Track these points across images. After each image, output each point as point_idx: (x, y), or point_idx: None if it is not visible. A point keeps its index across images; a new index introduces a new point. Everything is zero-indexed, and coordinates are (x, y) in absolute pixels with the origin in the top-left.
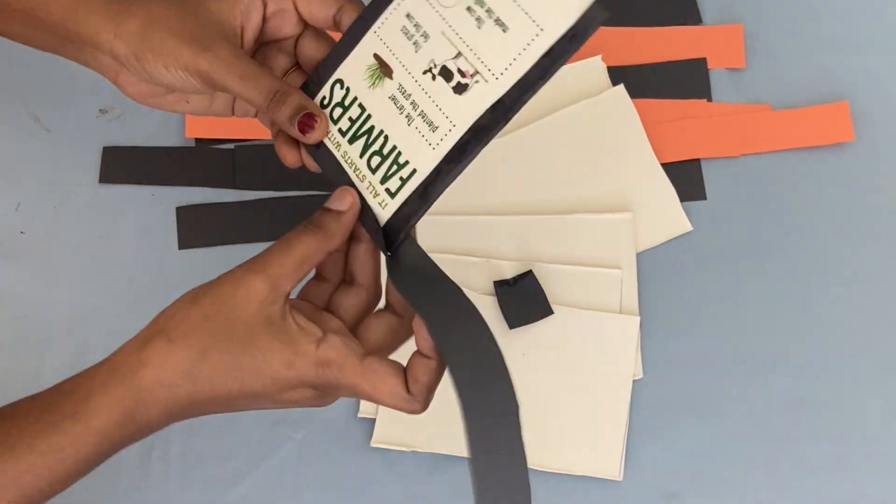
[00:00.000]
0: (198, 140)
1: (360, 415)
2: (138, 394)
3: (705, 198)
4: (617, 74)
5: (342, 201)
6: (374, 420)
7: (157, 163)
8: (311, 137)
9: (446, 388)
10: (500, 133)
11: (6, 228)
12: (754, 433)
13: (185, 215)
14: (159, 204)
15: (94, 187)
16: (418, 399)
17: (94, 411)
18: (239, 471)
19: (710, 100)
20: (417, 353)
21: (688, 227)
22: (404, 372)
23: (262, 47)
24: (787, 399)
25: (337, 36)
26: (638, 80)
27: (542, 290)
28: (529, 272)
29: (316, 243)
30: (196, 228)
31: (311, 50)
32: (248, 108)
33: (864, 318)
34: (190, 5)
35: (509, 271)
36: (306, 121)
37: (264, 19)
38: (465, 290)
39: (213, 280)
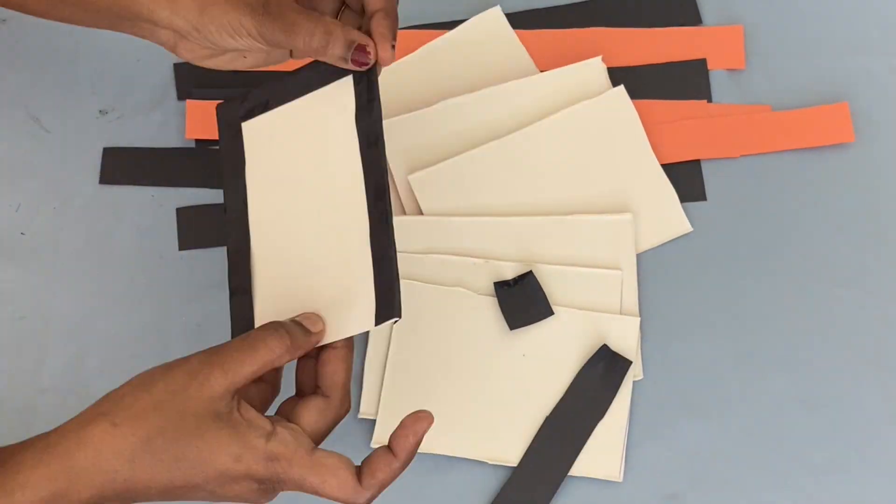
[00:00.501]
0: (198, 141)
1: (360, 416)
2: (71, 475)
3: (705, 198)
4: (617, 75)
5: (315, 324)
6: (374, 421)
7: (158, 164)
8: (364, 67)
9: (447, 389)
10: (501, 134)
11: (6, 229)
12: (755, 434)
13: (186, 216)
14: (159, 205)
15: (94, 188)
16: (368, 493)
17: (21, 486)
18: None
19: (710, 100)
20: (384, 448)
21: (688, 227)
22: (354, 466)
23: None
24: (787, 399)
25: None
26: (637, 81)
27: (543, 291)
28: (529, 273)
29: (281, 350)
30: (196, 229)
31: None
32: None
33: (865, 319)
34: None
35: (509, 272)
36: (359, 55)
37: None
38: (465, 292)
39: (167, 365)
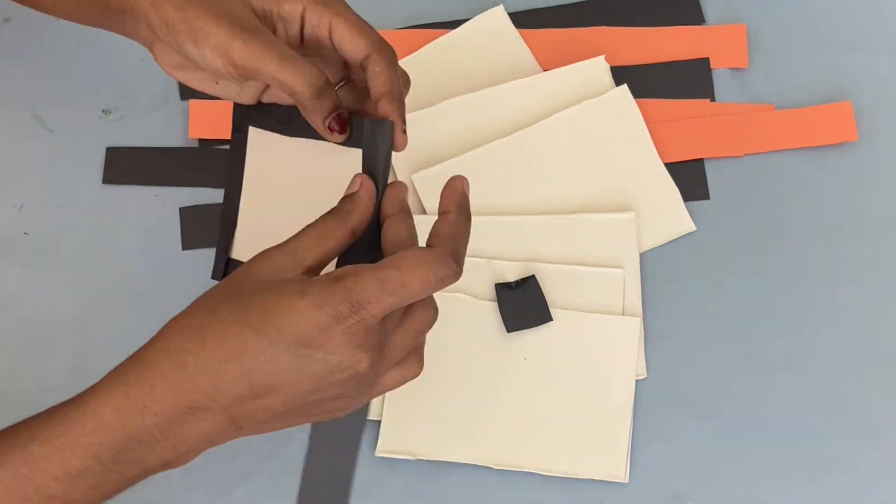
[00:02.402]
0: (201, 141)
1: (367, 417)
2: (142, 371)
3: (708, 197)
4: (619, 74)
5: (353, 185)
6: (379, 422)
7: (161, 163)
8: (336, 138)
9: (449, 394)
10: (504, 133)
11: (10, 229)
12: (758, 433)
13: (189, 216)
14: (163, 204)
15: (97, 188)
16: (445, 250)
17: (93, 391)
18: (243, 471)
19: (713, 99)
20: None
21: (691, 226)
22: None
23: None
24: (791, 399)
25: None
26: (640, 80)
27: (543, 297)
28: (532, 277)
29: (332, 221)
30: (200, 229)
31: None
32: (279, 97)
33: (869, 318)
34: None
35: (511, 273)
36: (337, 123)
37: (301, 31)
38: (466, 297)
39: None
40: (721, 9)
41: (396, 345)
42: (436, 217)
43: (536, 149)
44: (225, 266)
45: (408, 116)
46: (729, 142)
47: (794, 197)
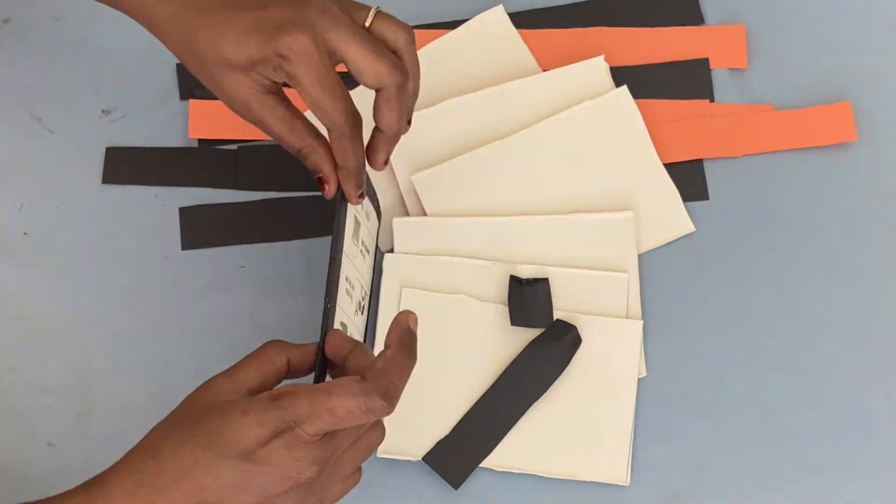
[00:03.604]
0: (201, 141)
1: None
2: (105, 487)
3: (707, 198)
4: (619, 75)
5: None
6: None
7: (161, 163)
8: (325, 194)
9: (451, 396)
10: (503, 133)
11: (9, 229)
12: (758, 433)
13: (189, 216)
14: (162, 204)
15: (97, 188)
16: (374, 385)
17: None
18: None
19: (712, 100)
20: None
21: (690, 227)
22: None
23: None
24: (790, 399)
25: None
26: (640, 81)
27: (550, 301)
28: (545, 280)
29: (272, 349)
30: (199, 229)
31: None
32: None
33: (868, 319)
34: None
35: (520, 273)
36: (320, 182)
37: None
38: (469, 299)
39: None
40: (720, 9)
41: (345, 460)
42: (439, 218)
43: (536, 149)
44: None
45: None
46: (728, 142)
47: (794, 197)
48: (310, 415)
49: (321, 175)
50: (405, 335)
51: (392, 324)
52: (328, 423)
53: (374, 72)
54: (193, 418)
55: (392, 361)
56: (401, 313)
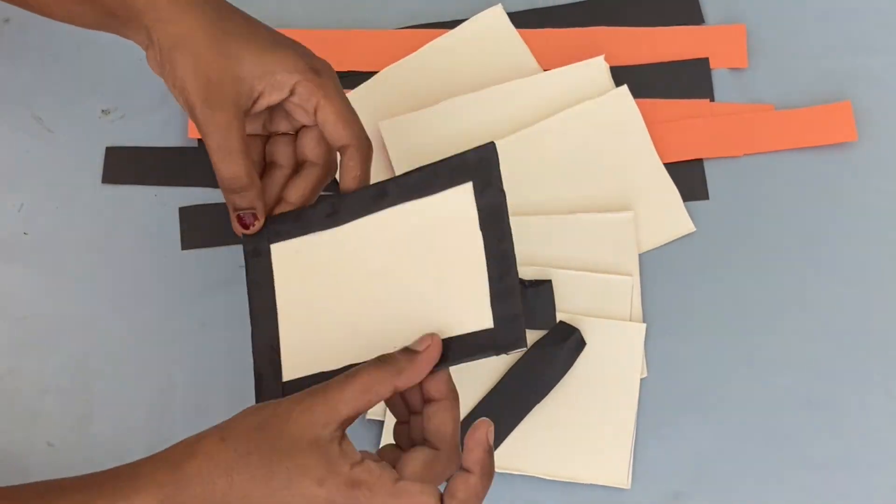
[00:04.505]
0: (200, 140)
1: (368, 416)
2: (179, 481)
3: (708, 198)
4: (619, 74)
5: (421, 343)
6: (380, 422)
7: (161, 163)
8: (247, 231)
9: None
10: (503, 133)
11: (9, 229)
12: (758, 433)
13: (189, 215)
14: (162, 204)
15: (97, 188)
16: None
17: (136, 491)
18: None
19: (712, 100)
20: (459, 471)
21: (690, 227)
22: (438, 492)
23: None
24: (790, 399)
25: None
26: (640, 80)
27: (553, 303)
28: (548, 282)
29: (380, 374)
30: (199, 228)
31: (311, 146)
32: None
33: (868, 318)
34: (230, 47)
35: (528, 273)
36: (243, 219)
37: (283, 102)
38: None
39: (283, 399)
40: (720, 9)
41: None
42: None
43: (536, 149)
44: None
45: (407, 117)
46: (728, 142)
47: (794, 197)
48: None
49: (253, 210)
50: (487, 457)
51: (472, 441)
52: None
53: (347, 131)
54: (275, 450)
55: (474, 492)
56: (480, 425)
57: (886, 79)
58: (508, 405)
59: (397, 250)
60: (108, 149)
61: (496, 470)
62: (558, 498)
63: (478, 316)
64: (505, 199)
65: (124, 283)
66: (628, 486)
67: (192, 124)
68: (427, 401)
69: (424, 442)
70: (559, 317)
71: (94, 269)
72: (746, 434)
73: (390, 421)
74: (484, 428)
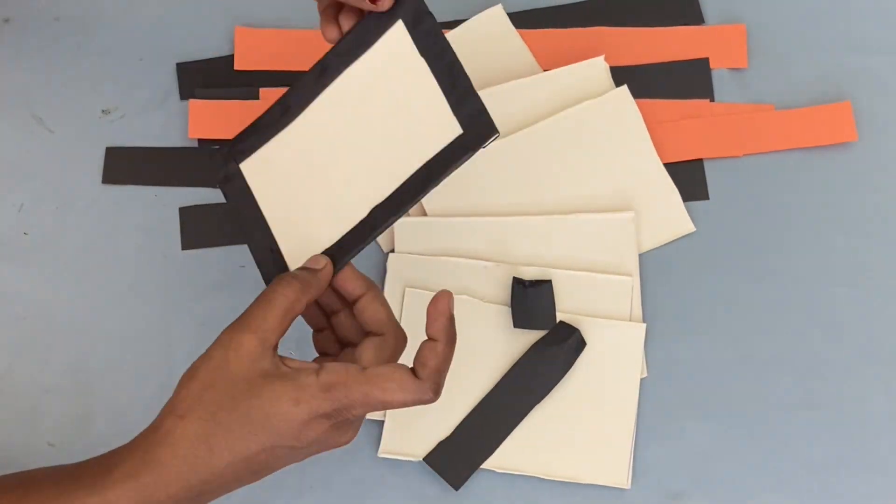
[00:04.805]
0: (201, 140)
1: (369, 417)
2: (155, 470)
3: (708, 198)
4: (619, 74)
5: (317, 262)
6: (380, 423)
7: (161, 163)
8: (382, 4)
9: (454, 397)
10: (502, 134)
11: (9, 229)
12: (758, 433)
13: (189, 216)
14: (163, 204)
15: (97, 188)
16: (428, 384)
17: (111, 485)
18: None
19: (712, 100)
20: (425, 340)
21: (690, 227)
22: (406, 367)
23: None
24: (790, 399)
25: None
26: (640, 81)
27: (553, 303)
28: (548, 282)
29: (294, 294)
30: (199, 229)
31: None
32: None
33: (868, 319)
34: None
35: (526, 274)
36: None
37: None
38: (471, 300)
39: (205, 351)
40: (720, 9)
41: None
42: (439, 218)
43: (536, 149)
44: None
45: None
46: (728, 142)
47: (794, 197)
48: (363, 405)
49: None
50: (449, 325)
51: (434, 310)
52: (377, 410)
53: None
54: (238, 399)
55: (443, 356)
56: (441, 296)
57: (886, 79)
58: (508, 405)
59: (357, 114)
60: (108, 149)
61: (497, 470)
62: (558, 498)
63: (447, 128)
64: (434, 19)
65: (124, 284)
66: (628, 486)
67: (192, 124)
68: (352, 301)
69: (366, 336)
70: (559, 317)
71: (94, 269)
72: (746, 434)
73: (390, 421)
74: (444, 298)
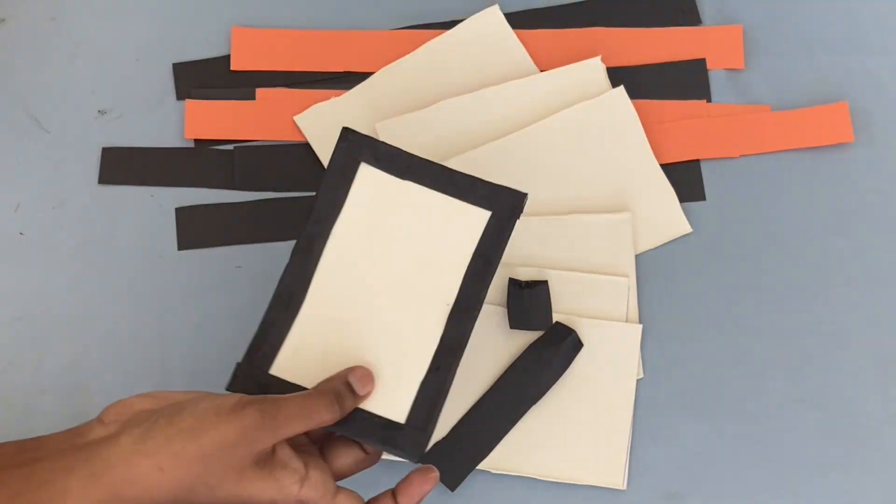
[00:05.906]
0: (197, 141)
1: None
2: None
3: (704, 198)
4: (616, 75)
5: (365, 386)
6: None
7: (157, 164)
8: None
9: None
10: (500, 134)
11: (5, 229)
12: (754, 434)
13: (185, 216)
14: (159, 205)
15: (93, 188)
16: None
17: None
18: None
19: (709, 100)
20: (390, 493)
21: (687, 228)
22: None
23: None
24: (787, 399)
25: None
26: (637, 81)
27: (549, 304)
28: (544, 282)
29: (330, 418)
30: (195, 229)
31: None
32: None
33: (864, 319)
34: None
35: (522, 274)
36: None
37: None
38: None
39: (218, 410)
40: (717, 9)
41: None
42: None
43: (532, 150)
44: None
45: (404, 117)
46: (725, 143)
47: (791, 198)
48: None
49: None
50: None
51: (411, 486)
52: None
53: None
54: (224, 485)
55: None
56: (423, 480)
57: (883, 79)
58: (505, 406)
59: (371, 261)
60: (104, 149)
61: (493, 471)
62: (554, 499)
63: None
64: (388, 145)
65: (121, 284)
66: (624, 487)
67: (188, 124)
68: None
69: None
70: (556, 318)
71: (90, 270)
72: (743, 435)
73: None
74: (431, 483)
